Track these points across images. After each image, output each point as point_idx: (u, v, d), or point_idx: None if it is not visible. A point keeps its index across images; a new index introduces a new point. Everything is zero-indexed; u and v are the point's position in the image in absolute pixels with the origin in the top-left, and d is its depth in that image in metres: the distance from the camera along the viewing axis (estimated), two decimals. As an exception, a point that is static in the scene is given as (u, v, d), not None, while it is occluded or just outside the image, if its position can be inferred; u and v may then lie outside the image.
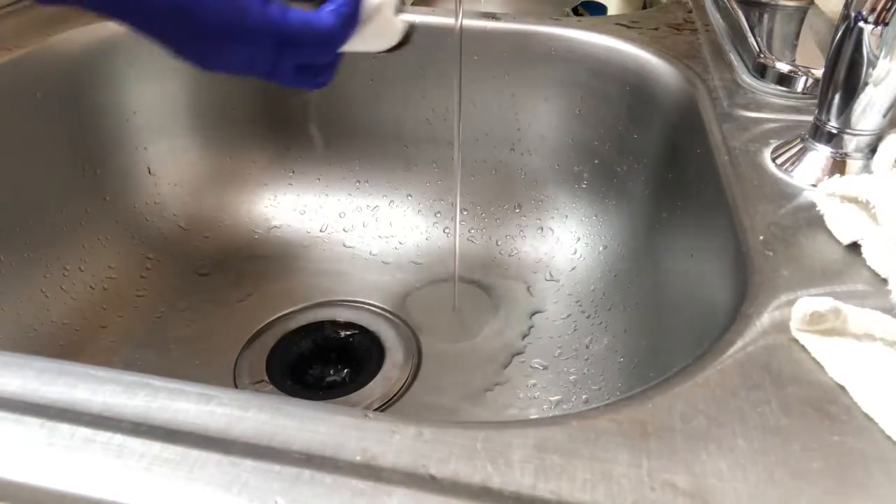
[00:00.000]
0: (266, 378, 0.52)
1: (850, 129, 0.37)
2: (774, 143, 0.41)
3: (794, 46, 0.52)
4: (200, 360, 0.53)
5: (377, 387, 0.51)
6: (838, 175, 0.37)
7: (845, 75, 0.36)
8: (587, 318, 0.55)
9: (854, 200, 0.34)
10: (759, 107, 0.46)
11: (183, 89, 0.63)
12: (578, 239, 0.60)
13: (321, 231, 0.65)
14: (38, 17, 0.57)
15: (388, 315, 0.58)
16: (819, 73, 0.44)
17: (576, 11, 0.83)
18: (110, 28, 0.56)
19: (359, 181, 0.66)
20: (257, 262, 0.63)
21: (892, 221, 0.31)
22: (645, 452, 0.23)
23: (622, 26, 0.58)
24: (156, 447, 0.23)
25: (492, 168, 0.63)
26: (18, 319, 0.51)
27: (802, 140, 0.40)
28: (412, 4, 0.74)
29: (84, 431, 0.24)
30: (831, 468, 0.23)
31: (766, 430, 0.24)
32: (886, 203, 0.32)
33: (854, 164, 0.38)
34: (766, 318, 0.29)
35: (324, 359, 0.55)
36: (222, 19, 0.31)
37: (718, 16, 0.60)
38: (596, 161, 0.59)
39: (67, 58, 0.56)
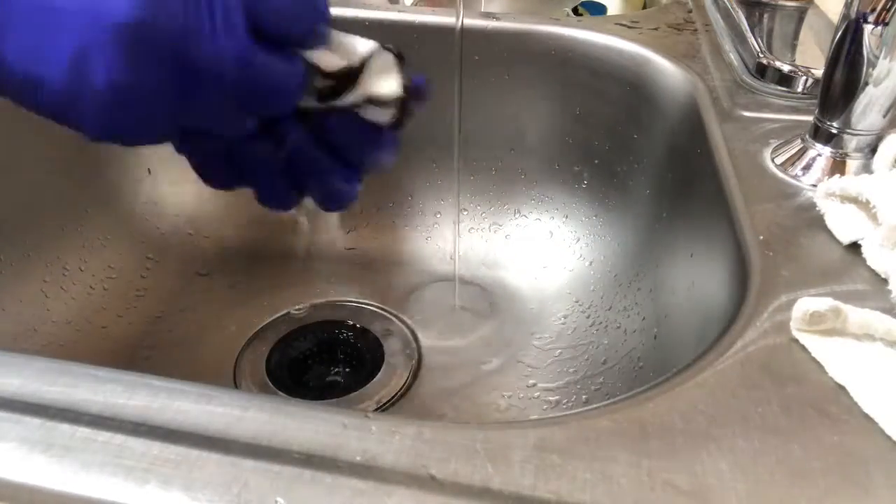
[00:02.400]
0: (266, 378, 0.52)
1: (850, 129, 0.37)
2: (774, 143, 0.41)
3: (794, 46, 0.52)
4: (200, 360, 0.53)
5: (377, 387, 0.51)
6: (838, 175, 0.37)
7: (845, 75, 0.36)
8: (587, 318, 0.55)
9: (854, 200, 0.34)
10: (759, 107, 0.46)
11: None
12: (578, 239, 0.60)
13: (321, 232, 0.65)
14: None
15: (388, 315, 0.58)
16: (819, 73, 0.44)
17: (576, 11, 0.83)
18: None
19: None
20: (257, 262, 0.63)
21: (893, 221, 0.31)
22: (645, 452, 0.23)
23: (622, 26, 0.58)
24: (156, 447, 0.23)
25: (492, 168, 0.63)
26: (18, 319, 0.50)
27: (802, 140, 0.40)
28: (412, 4, 0.74)
29: (84, 431, 0.24)
30: (831, 468, 0.23)
31: (766, 430, 0.24)
32: (886, 203, 0.32)
33: (854, 164, 0.38)
34: (766, 318, 0.29)
35: (324, 359, 0.55)
36: None
37: (718, 16, 0.60)
38: (596, 161, 0.59)
39: (67, 58, 0.55)
